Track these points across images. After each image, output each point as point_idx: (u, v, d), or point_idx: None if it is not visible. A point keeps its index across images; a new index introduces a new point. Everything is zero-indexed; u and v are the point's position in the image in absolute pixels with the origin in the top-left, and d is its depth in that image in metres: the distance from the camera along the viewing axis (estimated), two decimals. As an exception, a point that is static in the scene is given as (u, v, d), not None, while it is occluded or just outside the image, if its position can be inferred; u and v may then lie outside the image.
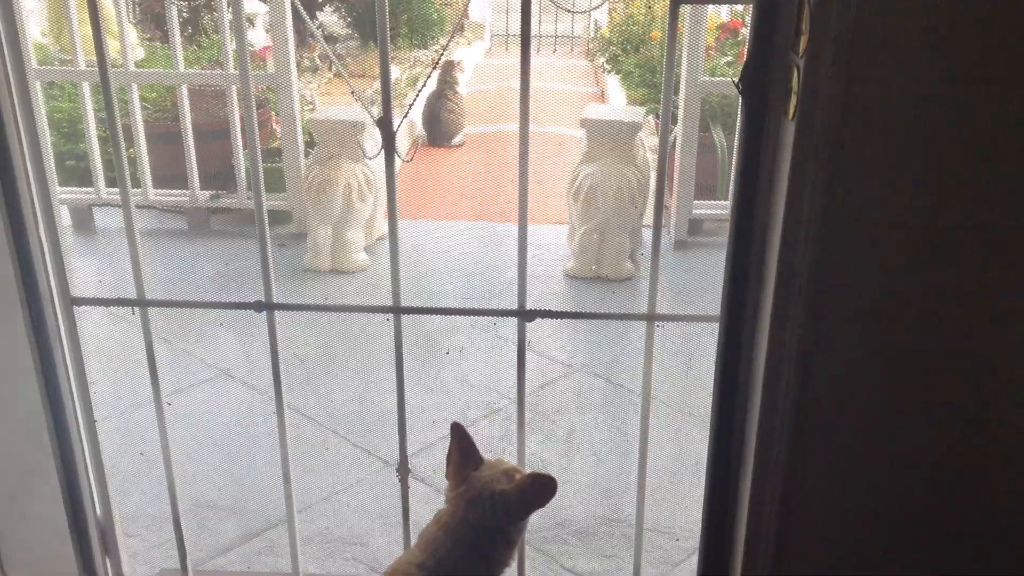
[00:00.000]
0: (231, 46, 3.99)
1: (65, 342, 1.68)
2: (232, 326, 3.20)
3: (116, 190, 4.25)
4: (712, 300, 3.65)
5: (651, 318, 1.69)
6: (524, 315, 1.69)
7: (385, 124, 1.58)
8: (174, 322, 3.26)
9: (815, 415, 1.45)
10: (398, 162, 1.89)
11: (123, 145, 1.69)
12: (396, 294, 1.68)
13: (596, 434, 2.73)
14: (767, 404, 1.48)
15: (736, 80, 1.37)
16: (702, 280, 3.75)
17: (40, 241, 1.65)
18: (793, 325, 1.40)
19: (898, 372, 1.40)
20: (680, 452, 2.61)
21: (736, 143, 1.44)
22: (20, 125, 1.60)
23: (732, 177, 1.47)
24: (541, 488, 1.47)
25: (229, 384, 2.93)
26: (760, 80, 1.36)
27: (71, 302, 1.68)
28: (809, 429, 1.46)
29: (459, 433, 1.53)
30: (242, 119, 4.39)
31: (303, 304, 1.68)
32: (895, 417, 1.43)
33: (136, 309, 1.69)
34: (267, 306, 1.67)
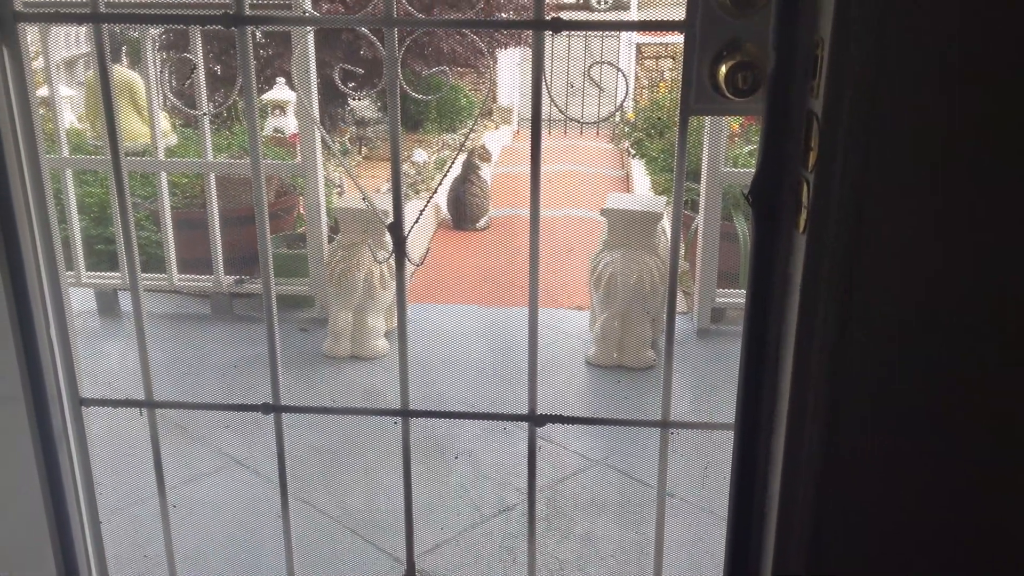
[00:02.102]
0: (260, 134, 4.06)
1: (72, 443, 1.67)
2: (247, 414, 3.19)
3: (144, 275, 4.33)
4: (734, 391, 3.55)
5: (665, 425, 1.65)
6: (534, 420, 1.66)
7: (396, 228, 1.58)
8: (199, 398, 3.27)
9: (835, 525, 1.40)
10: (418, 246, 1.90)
11: (136, 243, 1.70)
12: (404, 397, 1.66)
13: (615, 534, 2.66)
14: (784, 513, 1.44)
15: (746, 192, 1.36)
16: (725, 370, 3.70)
17: (49, 338, 1.64)
18: (810, 434, 1.37)
19: (920, 476, 1.36)
20: (701, 554, 2.54)
21: (748, 256, 1.42)
22: (33, 216, 1.60)
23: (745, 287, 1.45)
24: None
25: (242, 474, 2.90)
26: (770, 192, 1.34)
27: (80, 402, 1.67)
28: (829, 539, 1.41)
29: None
30: (270, 205, 4.45)
31: (310, 407, 1.67)
32: (918, 521, 1.38)
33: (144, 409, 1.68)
34: (274, 408, 1.66)
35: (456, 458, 2.86)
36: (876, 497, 1.39)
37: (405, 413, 1.64)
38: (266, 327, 1.64)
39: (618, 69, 1.56)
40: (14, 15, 1.50)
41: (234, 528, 2.63)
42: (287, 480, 1.72)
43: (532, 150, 1.51)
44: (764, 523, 1.55)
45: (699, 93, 1.43)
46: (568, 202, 6.79)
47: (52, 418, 1.62)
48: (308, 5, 3.73)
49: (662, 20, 1.46)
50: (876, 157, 1.22)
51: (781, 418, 1.43)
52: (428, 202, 2.08)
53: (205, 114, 3.86)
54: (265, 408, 1.65)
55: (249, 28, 1.49)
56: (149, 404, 1.68)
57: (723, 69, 1.37)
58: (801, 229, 1.29)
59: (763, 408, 1.48)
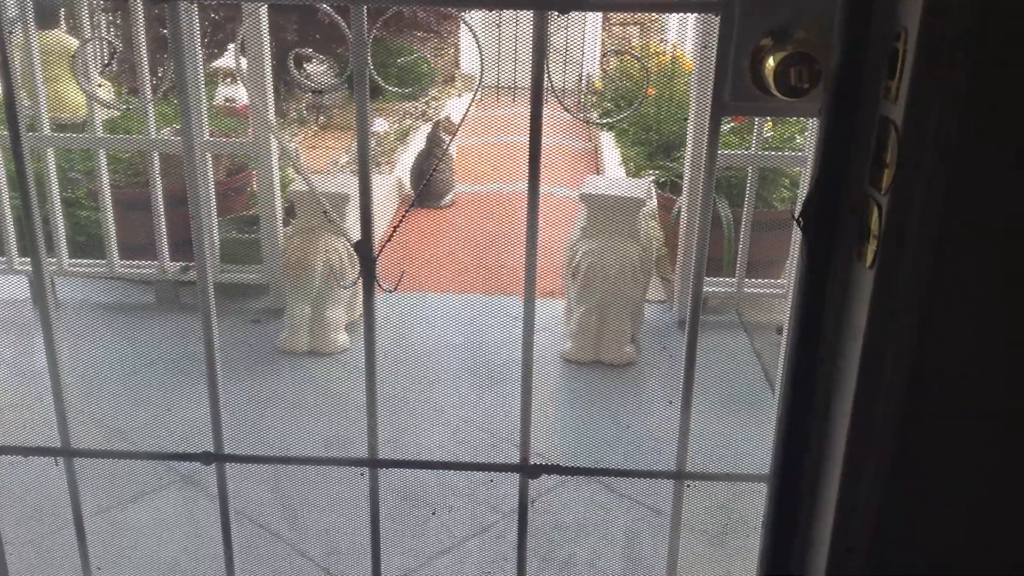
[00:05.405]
0: (205, 105, 3.74)
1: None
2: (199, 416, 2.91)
3: (81, 261, 4.00)
4: (720, 388, 3.31)
5: (680, 476, 1.41)
6: (527, 471, 1.41)
7: (364, 247, 1.31)
8: (143, 410, 2.99)
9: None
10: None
11: (40, 238, 1.41)
12: (373, 443, 1.40)
13: (601, 559, 2.43)
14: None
15: (797, 215, 1.11)
16: (709, 365, 3.48)
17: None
18: (868, 503, 1.14)
19: (985, 546, 1.15)
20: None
21: (794, 288, 1.17)
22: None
23: (787, 327, 1.21)
24: None
25: (191, 491, 2.62)
26: (827, 216, 1.10)
27: (-18, 451, 1.39)
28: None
29: None
30: (220, 184, 4.13)
31: (258, 456, 1.41)
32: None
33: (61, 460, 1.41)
34: (216, 458, 1.39)
35: (434, 514, 2.57)
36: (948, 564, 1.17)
37: (373, 463, 1.38)
38: (205, 360, 1.37)
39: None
40: None
41: (179, 554, 2.35)
42: (231, 527, 1.46)
43: (531, 160, 1.25)
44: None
45: (736, 88, 1.17)
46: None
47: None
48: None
49: (694, 1, 1.20)
50: (967, 175, 0.98)
51: (830, 478, 1.20)
52: (396, 227, 1.80)
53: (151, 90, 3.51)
54: (206, 457, 1.39)
55: (183, 3, 1.20)
56: (66, 452, 1.40)
57: (770, 62, 1.11)
58: (868, 263, 1.05)
59: (808, 463, 1.25)
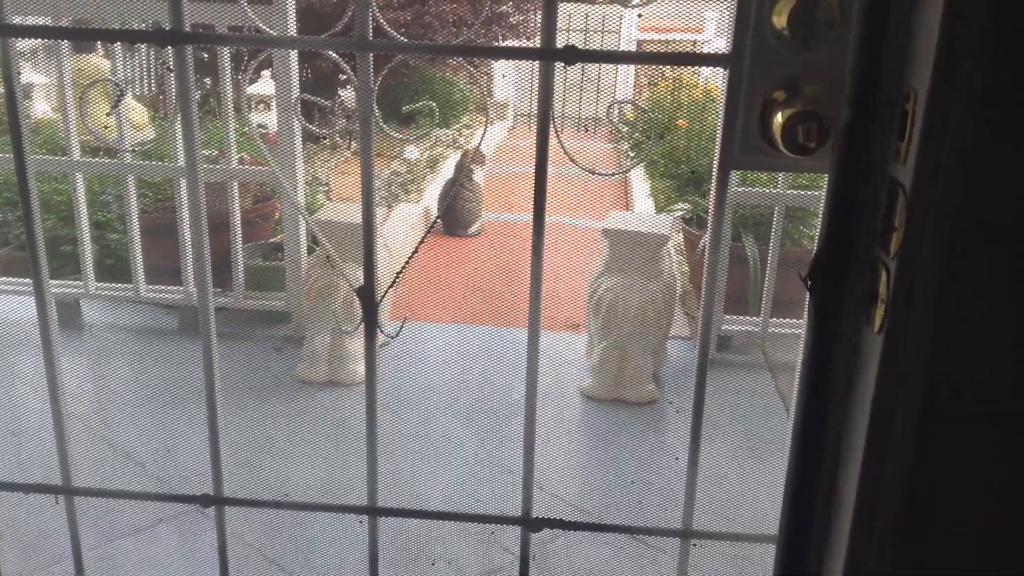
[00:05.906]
0: (233, 134, 3.77)
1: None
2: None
3: (108, 285, 4.03)
4: (743, 429, 3.24)
5: (687, 535, 1.38)
6: (528, 524, 1.38)
7: (366, 295, 1.30)
8: (159, 437, 2.99)
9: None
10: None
11: (44, 259, 1.42)
12: (372, 492, 1.38)
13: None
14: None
15: (804, 274, 1.08)
16: (731, 406, 3.44)
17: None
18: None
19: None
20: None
21: (803, 349, 1.14)
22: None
23: (796, 391, 1.18)
24: None
25: (201, 523, 2.61)
26: (835, 278, 1.07)
27: (-19, 487, 1.39)
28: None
29: None
30: (246, 212, 4.16)
31: (257, 500, 1.40)
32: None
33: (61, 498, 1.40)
34: (215, 500, 1.38)
35: (434, 564, 2.54)
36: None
37: (372, 511, 1.36)
38: (207, 403, 1.36)
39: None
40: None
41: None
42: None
43: (536, 196, 1.23)
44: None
45: (745, 143, 1.16)
46: (562, 208, 6.51)
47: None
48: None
49: (702, 54, 1.19)
50: (974, 237, 0.95)
51: (838, 542, 1.16)
52: (400, 273, 1.80)
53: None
54: (204, 500, 1.38)
55: (189, 48, 1.20)
56: (66, 491, 1.40)
57: (779, 118, 1.09)
58: (876, 327, 1.02)
59: (815, 527, 1.21)
